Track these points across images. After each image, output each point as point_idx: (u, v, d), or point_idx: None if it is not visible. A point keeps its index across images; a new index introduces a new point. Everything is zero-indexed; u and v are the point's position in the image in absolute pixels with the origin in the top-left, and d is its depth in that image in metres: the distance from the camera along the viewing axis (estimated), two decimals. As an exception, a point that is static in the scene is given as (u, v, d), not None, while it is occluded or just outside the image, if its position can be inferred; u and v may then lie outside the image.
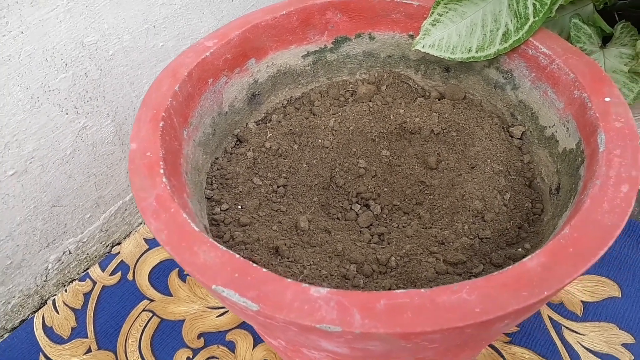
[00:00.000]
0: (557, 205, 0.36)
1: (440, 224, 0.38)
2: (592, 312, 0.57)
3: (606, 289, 0.59)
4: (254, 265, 0.27)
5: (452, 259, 0.35)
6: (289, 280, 0.27)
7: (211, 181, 0.41)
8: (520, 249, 0.36)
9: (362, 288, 0.35)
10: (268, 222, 0.39)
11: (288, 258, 0.36)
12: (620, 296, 0.58)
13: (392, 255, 0.37)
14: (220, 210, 0.39)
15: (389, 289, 0.34)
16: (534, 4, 0.39)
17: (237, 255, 0.28)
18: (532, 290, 0.25)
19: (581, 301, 0.58)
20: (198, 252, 0.28)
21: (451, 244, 0.36)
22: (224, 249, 0.28)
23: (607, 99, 0.34)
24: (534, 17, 0.39)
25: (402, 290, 0.26)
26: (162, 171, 0.32)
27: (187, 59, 0.39)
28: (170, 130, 0.36)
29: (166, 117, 0.36)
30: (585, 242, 0.27)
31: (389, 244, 0.39)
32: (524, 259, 0.27)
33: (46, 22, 0.44)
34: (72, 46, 0.47)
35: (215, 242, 0.28)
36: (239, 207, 0.40)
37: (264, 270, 0.27)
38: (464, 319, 0.25)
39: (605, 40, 0.44)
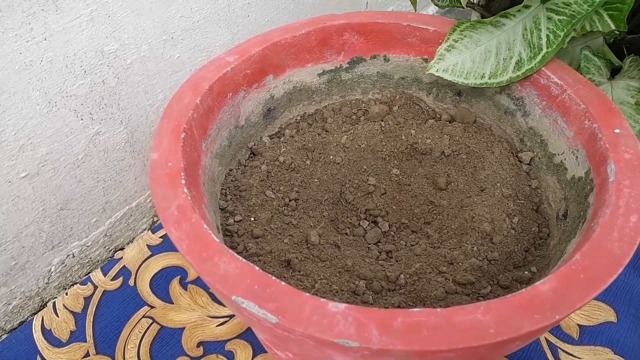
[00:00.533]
0: (564, 231, 0.37)
1: (449, 244, 0.39)
2: (588, 335, 0.58)
3: (602, 313, 0.60)
4: (273, 278, 0.28)
5: (462, 280, 0.36)
6: (307, 294, 0.27)
7: (225, 192, 0.42)
8: (526, 272, 0.37)
9: (372, 304, 0.36)
10: (280, 235, 0.40)
11: (299, 271, 0.37)
12: (616, 321, 0.59)
13: (401, 273, 0.37)
14: (234, 221, 0.40)
15: (399, 307, 0.35)
16: (547, 35, 0.41)
17: (257, 268, 0.28)
18: (544, 314, 0.26)
19: (577, 324, 0.59)
20: (218, 263, 0.29)
21: (460, 264, 0.37)
22: (244, 260, 0.29)
23: (617, 131, 0.35)
24: (547, 48, 0.41)
25: (417, 309, 0.26)
26: (183, 182, 0.33)
27: (209, 73, 0.40)
28: (191, 142, 0.36)
29: (187, 129, 0.36)
30: (595, 269, 0.28)
31: (397, 261, 0.40)
32: (537, 283, 0.28)
33: (69, 30, 0.45)
34: (92, 54, 0.48)
35: (235, 254, 0.29)
36: (252, 218, 0.41)
37: (283, 283, 0.28)
38: (479, 339, 0.25)
39: (614, 72, 0.45)
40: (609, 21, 0.41)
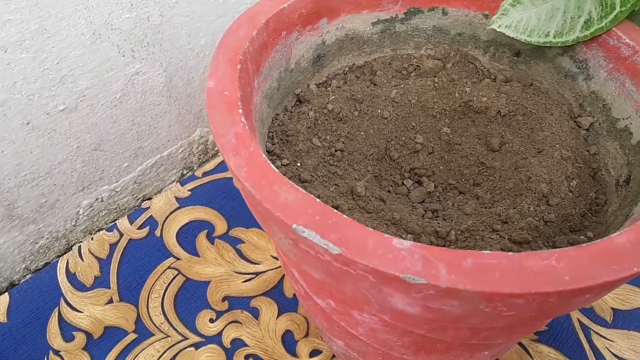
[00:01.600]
0: (626, 196, 0.36)
1: (502, 204, 0.38)
2: (622, 319, 0.56)
3: (637, 298, 0.58)
4: (335, 210, 0.27)
5: (518, 238, 0.34)
6: (371, 228, 0.26)
7: (272, 136, 0.41)
8: (582, 237, 0.35)
9: (421, 257, 0.34)
10: (326, 183, 0.39)
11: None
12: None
13: (451, 229, 0.36)
14: (282, 164, 0.39)
15: (450, 260, 0.34)
16: (622, -7, 0.39)
17: (318, 200, 0.27)
18: (622, 265, 0.25)
19: (612, 308, 0.58)
20: (279, 191, 0.27)
21: (515, 223, 0.35)
22: (304, 192, 0.27)
23: (695, 94, 0.33)
24: (621, 7, 0.39)
25: (489, 252, 0.25)
26: (240, 111, 0.31)
27: (265, 8, 0.39)
28: (246, 75, 0.35)
29: (243, 60, 0.35)
30: (675, 226, 0.26)
31: (444, 220, 0.38)
32: (612, 235, 0.26)
33: (121, -43, 0.44)
34: (141, -14, 0.47)
35: (295, 185, 0.28)
36: (299, 164, 0.39)
37: (345, 216, 0.26)
38: (553, 284, 0.24)
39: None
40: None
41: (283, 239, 0.29)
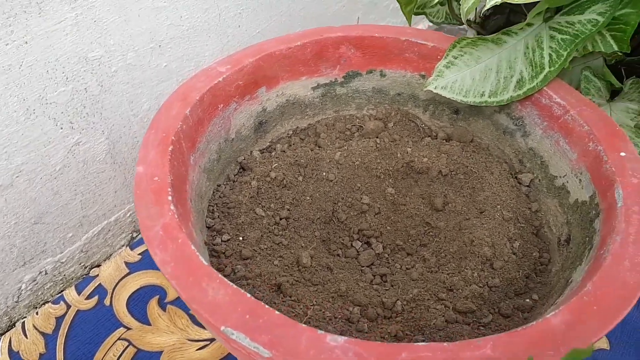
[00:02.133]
0: (567, 257, 0.36)
1: (447, 268, 0.37)
2: (583, 364, 0.56)
3: (597, 341, 0.58)
4: (266, 306, 0.26)
5: (462, 308, 0.34)
6: (303, 325, 0.25)
7: (213, 209, 0.40)
8: (528, 300, 0.35)
9: (367, 333, 0.34)
10: (270, 256, 0.38)
11: (291, 297, 0.35)
12: (608, 348, 0.58)
13: (398, 299, 0.36)
14: (222, 240, 0.37)
15: (396, 336, 0.33)
16: (550, 54, 0.40)
17: (248, 295, 0.26)
18: (557, 349, 0.24)
19: (572, 352, 0.57)
20: (207, 288, 0.26)
21: (460, 291, 0.35)
22: (235, 286, 0.26)
23: (623, 154, 0.34)
24: (550, 67, 0.40)
25: (423, 344, 0.24)
26: (170, 198, 0.30)
27: (199, 83, 0.38)
28: (179, 155, 0.34)
29: (175, 141, 0.34)
30: (608, 300, 0.26)
31: (392, 286, 0.38)
32: (548, 315, 0.26)
33: (52, 34, 0.43)
34: (75, 60, 0.46)
35: (225, 280, 0.27)
36: (241, 238, 0.38)
37: (277, 312, 0.25)
38: (489, 377, 0.23)
39: (613, 94, 0.45)
40: (612, 42, 0.41)
41: (216, 336, 0.27)
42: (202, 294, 0.26)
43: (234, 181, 0.43)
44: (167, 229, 0.29)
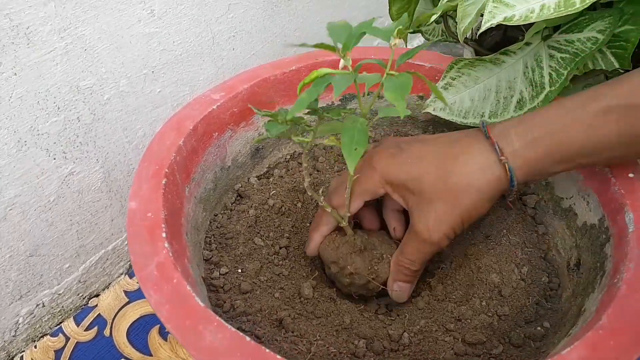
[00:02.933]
0: (578, 282, 0.34)
1: (454, 297, 0.36)
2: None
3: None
4: (267, 350, 0.24)
5: (471, 339, 0.32)
6: (306, 368, 0.24)
7: (210, 241, 0.39)
8: (539, 327, 0.34)
9: (373, 368, 0.32)
10: (270, 289, 0.37)
11: (293, 332, 0.33)
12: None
13: (404, 331, 0.34)
14: (220, 274, 0.36)
15: (403, 370, 0.32)
16: (550, 74, 0.39)
17: (248, 338, 0.25)
18: (574, 391, 0.23)
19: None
20: (204, 332, 0.25)
21: (469, 321, 0.34)
22: (233, 329, 0.25)
23: (631, 175, 0.33)
24: (550, 87, 0.39)
25: (433, 386, 0.23)
26: (164, 234, 0.29)
27: (193, 112, 0.37)
28: (173, 188, 0.33)
29: (169, 173, 0.33)
30: (626, 334, 0.25)
31: (398, 316, 0.37)
32: (563, 352, 0.25)
33: (42, 65, 0.42)
34: (67, 89, 0.45)
35: (223, 321, 0.25)
36: (239, 270, 0.37)
37: (279, 357, 0.24)
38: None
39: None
40: (613, 59, 0.40)
41: (215, 380, 0.26)
42: (199, 338, 0.25)
43: (231, 210, 0.42)
44: (162, 269, 0.28)
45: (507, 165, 0.31)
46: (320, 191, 0.34)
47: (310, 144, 0.30)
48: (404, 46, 0.55)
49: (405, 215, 0.37)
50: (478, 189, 0.32)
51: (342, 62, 0.29)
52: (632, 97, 0.29)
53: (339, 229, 0.38)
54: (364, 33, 0.29)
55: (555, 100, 0.33)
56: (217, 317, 0.26)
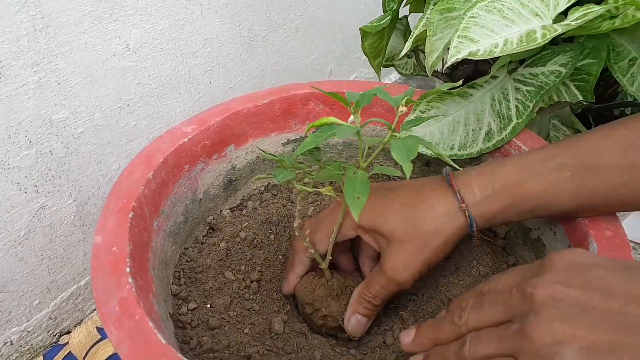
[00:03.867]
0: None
1: (425, 329, 0.36)
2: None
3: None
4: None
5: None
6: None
7: (179, 275, 0.38)
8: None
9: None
10: (239, 324, 0.36)
11: (261, 367, 0.33)
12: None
13: (375, 365, 0.34)
14: (188, 309, 0.36)
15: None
16: (516, 106, 0.40)
17: (209, 375, 0.24)
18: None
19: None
20: (164, 370, 0.24)
21: (439, 354, 0.33)
22: (195, 366, 0.25)
23: (595, 206, 0.34)
24: (517, 119, 0.40)
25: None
26: (128, 269, 0.29)
27: (164, 144, 0.37)
28: (140, 222, 0.33)
29: (137, 207, 0.33)
30: None
31: (371, 351, 0.36)
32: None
33: (13, 98, 0.42)
34: (39, 123, 0.45)
35: (184, 359, 0.25)
36: (208, 305, 0.37)
37: (240, 393, 0.24)
38: None
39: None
40: (576, 92, 0.41)
41: (176, 420, 0.25)
42: (158, 376, 0.24)
43: (202, 243, 0.41)
44: (124, 305, 0.27)
45: (467, 213, 0.33)
46: (295, 224, 0.34)
47: (310, 191, 0.31)
48: (379, 80, 0.56)
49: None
50: (443, 234, 0.33)
51: (352, 117, 0.31)
52: (585, 157, 0.32)
53: (315, 269, 0.38)
54: (375, 94, 0.31)
55: (515, 156, 0.35)
56: (179, 355, 0.25)
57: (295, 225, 0.34)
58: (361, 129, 0.29)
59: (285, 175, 0.30)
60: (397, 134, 0.29)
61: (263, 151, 0.35)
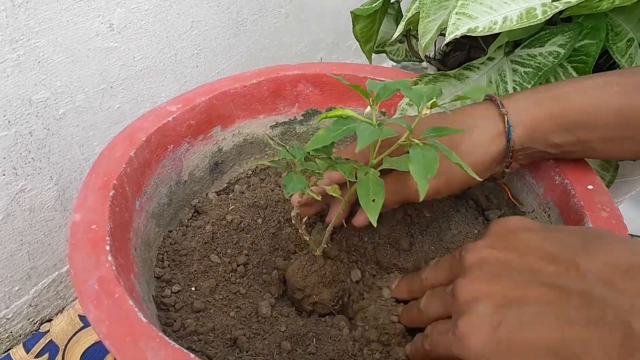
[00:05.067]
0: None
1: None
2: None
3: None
4: (212, 367, 0.23)
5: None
6: (253, 387, 0.22)
7: (162, 258, 0.37)
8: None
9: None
10: (225, 307, 0.35)
11: (247, 351, 0.32)
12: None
13: (365, 349, 0.33)
14: (171, 292, 0.34)
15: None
16: (514, 88, 0.39)
17: (192, 355, 0.23)
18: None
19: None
20: (145, 349, 0.23)
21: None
22: (176, 346, 0.24)
23: (590, 187, 0.33)
24: (510, 101, 0.39)
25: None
26: (108, 247, 0.28)
27: (147, 123, 0.36)
28: (121, 200, 0.32)
29: (118, 185, 0.32)
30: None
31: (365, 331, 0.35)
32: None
33: (-10, 75, 0.40)
34: (18, 102, 0.43)
35: (166, 338, 0.24)
36: (193, 288, 0.36)
37: (224, 374, 0.23)
38: None
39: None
40: (574, 73, 0.40)
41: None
42: (139, 356, 0.23)
43: (187, 226, 0.40)
44: (103, 283, 0.26)
45: (506, 118, 0.32)
46: (292, 213, 0.33)
47: (317, 198, 0.29)
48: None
49: None
50: (480, 142, 0.33)
51: (368, 109, 0.29)
52: (633, 76, 0.32)
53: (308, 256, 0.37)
54: (398, 89, 0.29)
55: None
56: (160, 334, 0.24)
57: (292, 214, 0.33)
58: (381, 128, 0.26)
59: (295, 185, 0.27)
60: (418, 142, 0.27)
61: (271, 138, 0.33)
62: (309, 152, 0.28)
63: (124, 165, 0.33)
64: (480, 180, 0.29)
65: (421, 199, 0.25)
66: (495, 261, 0.27)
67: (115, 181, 0.32)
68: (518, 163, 0.35)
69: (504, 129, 0.33)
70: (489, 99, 0.34)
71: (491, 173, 0.34)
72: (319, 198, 0.29)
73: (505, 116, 0.32)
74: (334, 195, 0.29)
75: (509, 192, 0.38)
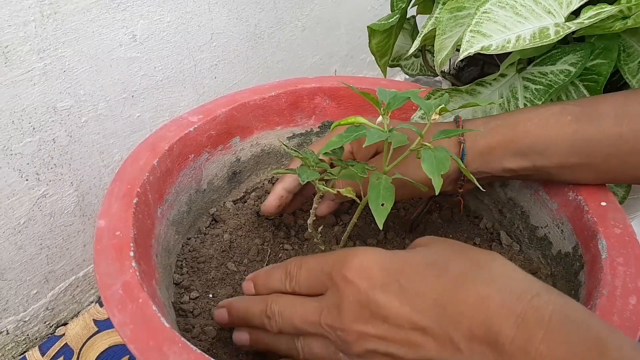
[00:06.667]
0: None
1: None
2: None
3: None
4: (233, 372, 0.24)
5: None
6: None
7: (181, 264, 0.38)
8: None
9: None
10: (242, 315, 0.36)
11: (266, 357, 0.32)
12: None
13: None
14: (189, 298, 0.35)
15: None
16: (525, 105, 0.39)
17: (213, 360, 0.24)
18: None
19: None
20: (168, 353, 0.24)
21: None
22: (198, 351, 0.24)
23: (604, 204, 0.33)
24: (525, 117, 0.39)
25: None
26: (132, 254, 0.29)
27: (169, 133, 0.37)
28: (144, 208, 0.33)
29: (141, 193, 0.33)
30: None
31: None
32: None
33: (19, 84, 0.42)
34: (43, 110, 0.45)
35: (188, 343, 0.25)
36: (210, 295, 0.36)
37: (245, 379, 0.23)
38: None
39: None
40: (585, 92, 0.41)
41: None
42: (162, 359, 0.24)
43: (205, 234, 0.41)
44: (128, 288, 0.27)
45: (462, 146, 0.34)
46: (309, 221, 0.34)
47: (331, 192, 0.31)
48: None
49: None
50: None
51: (380, 118, 0.30)
52: (587, 105, 0.33)
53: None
54: (408, 98, 0.31)
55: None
56: (182, 339, 0.25)
57: (309, 222, 0.34)
58: (392, 132, 0.28)
59: (309, 175, 0.29)
60: (427, 144, 0.29)
61: (285, 145, 0.34)
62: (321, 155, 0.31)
63: (147, 174, 0.34)
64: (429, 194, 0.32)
65: (437, 192, 0.26)
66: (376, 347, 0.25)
67: (138, 189, 0.33)
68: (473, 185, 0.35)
69: (459, 154, 0.34)
70: (455, 122, 0.36)
71: (443, 190, 0.34)
72: (334, 192, 0.30)
73: (462, 144, 0.34)
74: (349, 196, 0.31)
75: (461, 206, 0.40)
